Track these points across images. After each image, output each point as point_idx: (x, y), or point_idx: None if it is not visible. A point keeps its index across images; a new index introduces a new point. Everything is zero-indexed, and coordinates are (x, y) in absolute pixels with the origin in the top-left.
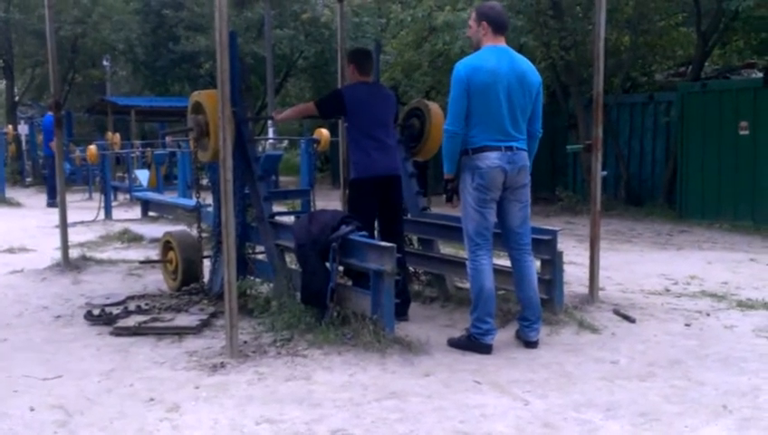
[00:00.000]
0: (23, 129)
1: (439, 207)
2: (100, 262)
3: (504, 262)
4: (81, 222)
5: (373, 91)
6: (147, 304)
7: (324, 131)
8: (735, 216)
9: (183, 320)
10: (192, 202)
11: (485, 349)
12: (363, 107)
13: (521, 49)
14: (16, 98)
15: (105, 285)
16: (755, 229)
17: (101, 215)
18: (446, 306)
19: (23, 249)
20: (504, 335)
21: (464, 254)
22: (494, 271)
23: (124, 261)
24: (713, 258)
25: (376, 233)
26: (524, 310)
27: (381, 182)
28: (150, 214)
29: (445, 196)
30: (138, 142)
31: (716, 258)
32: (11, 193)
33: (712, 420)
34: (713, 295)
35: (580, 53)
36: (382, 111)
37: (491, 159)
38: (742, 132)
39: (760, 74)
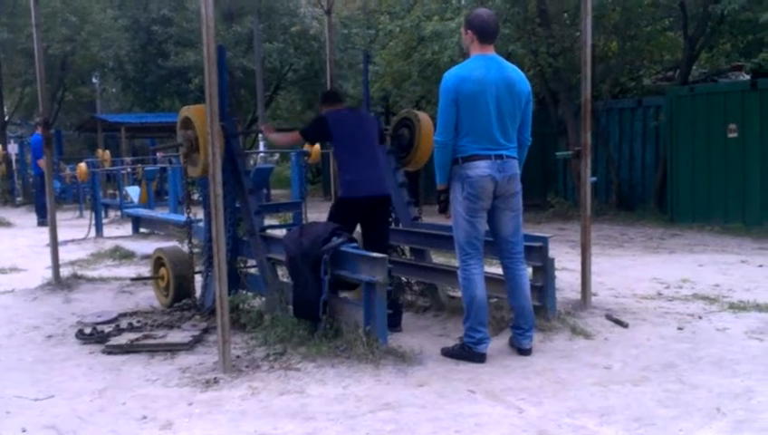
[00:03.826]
0: (12, 148)
1: (430, 217)
2: (91, 280)
3: (496, 270)
4: (73, 240)
5: (356, 114)
6: (139, 322)
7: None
8: (726, 218)
9: (175, 336)
10: (183, 217)
11: (479, 358)
12: (348, 129)
13: (509, 57)
14: (6, 117)
15: (97, 304)
16: (746, 231)
17: (92, 232)
18: (439, 316)
19: (13, 269)
20: (497, 343)
21: (455, 263)
22: (487, 279)
23: (116, 278)
24: (704, 261)
25: None
26: (517, 318)
27: (368, 203)
28: (142, 230)
29: (438, 206)
30: (128, 159)
31: (708, 261)
32: (1, 213)
33: (706, 423)
34: (705, 298)
35: (568, 59)
36: (367, 132)
37: (480, 167)
38: (731, 135)
39: (747, 77)
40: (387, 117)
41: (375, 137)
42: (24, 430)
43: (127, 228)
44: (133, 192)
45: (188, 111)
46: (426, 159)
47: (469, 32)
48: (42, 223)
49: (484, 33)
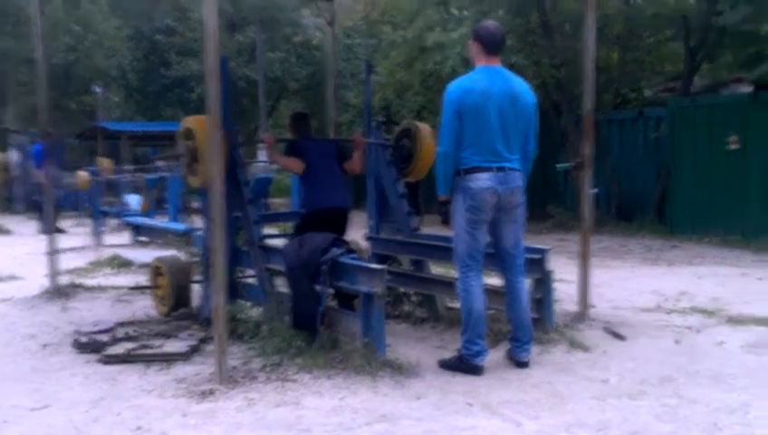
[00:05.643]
0: (13, 156)
1: (430, 228)
2: (89, 288)
3: (494, 281)
4: (71, 248)
5: (318, 140)
6: (136, 331)
7: None
8: (725, 230)
9: (172, 346)
10: (182, 226)
11: (477, 370)
12: (311, 151)
13: (511, 68)
14: (8, 125)
15: (94, 312)
16: (745, 244)
17: (91, 241)
18: (437, 327)
19: (11, 277)
20: (495, 355)
21: (454, 273)
22: (485, 291)
23: (113, 287)
24: (703, 273)
25: None
26: (516, 331)
27: (328, 214)
28: (141, 239)
29: (441, 217)
30: (130, 167)
31: (707, 273)
32: (1, 220)
33: None
34: (703, 311)
35: (570, 70)
36: (327, 153)
37: (482, 179)
38: (732, 147)
39: (749, 89)
40: (388, 127)
41: (334, 157)
42: None
43: (126, 237)
44: (133, 201)
45: (190, 121)
46: (426, 170)
47: (476, 43)
48: (43, 231)
49: (491, 45)
